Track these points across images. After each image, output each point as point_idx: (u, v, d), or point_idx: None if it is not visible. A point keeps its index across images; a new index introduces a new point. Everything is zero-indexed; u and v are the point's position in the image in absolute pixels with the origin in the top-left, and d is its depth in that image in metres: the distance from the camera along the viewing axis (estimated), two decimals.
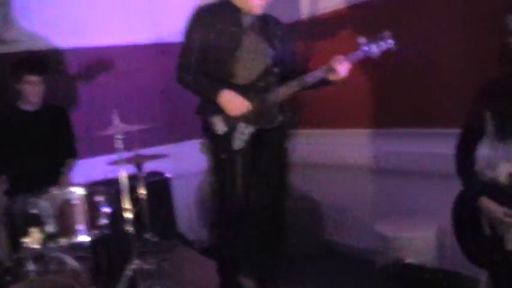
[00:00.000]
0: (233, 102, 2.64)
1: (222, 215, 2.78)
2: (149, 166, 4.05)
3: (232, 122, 2.71)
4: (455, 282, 2.64)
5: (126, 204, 2.74)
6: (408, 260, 2.96)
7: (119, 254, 3.02)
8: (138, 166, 3.16)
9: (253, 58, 2.72)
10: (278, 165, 2.88)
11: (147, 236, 3.15)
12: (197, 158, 4.23)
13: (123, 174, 2.79)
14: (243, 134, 2.69)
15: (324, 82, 2.71)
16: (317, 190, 4.22)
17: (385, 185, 3.65)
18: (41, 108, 3.41)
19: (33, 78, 3.28)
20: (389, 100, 3.57)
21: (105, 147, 3.37)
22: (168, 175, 4.08)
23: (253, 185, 2.80)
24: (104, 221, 2.77)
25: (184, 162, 4.26)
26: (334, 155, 3.97)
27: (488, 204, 2.05)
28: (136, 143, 3.18)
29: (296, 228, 4.00)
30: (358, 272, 3.49)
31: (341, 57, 2.63)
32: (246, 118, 2.70)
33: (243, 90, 2.70)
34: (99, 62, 4.17)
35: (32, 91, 3.30)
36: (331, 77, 2.66)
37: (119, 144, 2.90)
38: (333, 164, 3.99)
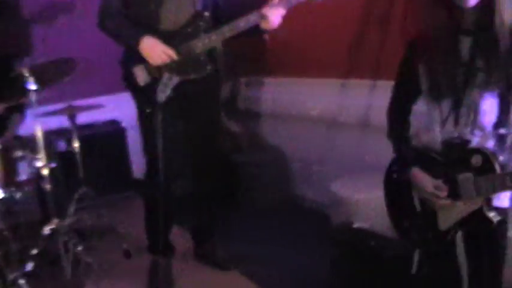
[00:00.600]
0: (154, 50, 2.39)
1: (149, 169, 2.61)
2: (109, 115, 3.89)
3: (155, 72, 2.47)
4: (400, 252, 2.42)
5: (43, 160, 2.52)
6: (357, 225, 2.74)
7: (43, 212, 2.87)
8: (71, 117, 2.94)
9: (180, 1, 2.45)
10: (207, 119, 2.68)
11: (81, 191, 2.96)
12: None
13: (38, 128, 2.56)
14: (166, 86, 2.43)
15: (258, 30, 2.41)
16: (283, 142, 4.03)
17: (350, 139, 3.38)
18: None
19: None
20: (357, 49, 3.23)
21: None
22: (123, 124, 3.86)
23: (182, 139, 2.65)
24: (24, 177, 2.57)
25: None
26: (299, 106, 3.69)
27: (419, 177, 1.77)
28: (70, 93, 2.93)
29: (261, 181, 3.84)
30: (319, 227, 3.28)
31: (275, 1, 2.32)
32: (170, 68, 2.44)
33: (168, 36, 2.44)
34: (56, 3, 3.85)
35: None
36: (263, 25, 2.39)
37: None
38: (297, 115, 3.72)
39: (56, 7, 3.84)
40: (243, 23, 2.39)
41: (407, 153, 1.83)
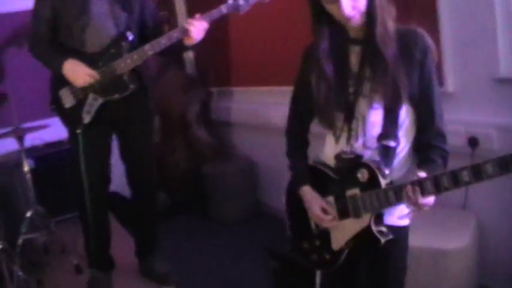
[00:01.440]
0: (76, 72, 2.41)
1: (80, 192, 2.58)
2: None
3: (80, 94, 2.49)
4: None
5: None
6: None
7: None
8: (20, 139, 2.98)
9: (103, 23, 2.47)
10: (137, 135, 2.70)
11: (31, 211, 3.00)
12: None
13: None
14: (91, 106, 2.44)
15: (182, 46, 2.42)
16: (251, 151, 4.02)
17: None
18: None
19: None
20: None
21: None
22: None
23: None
24: None
25: None
26: (263, 115, 3.64)
27: (307, 198, 1.71)
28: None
29: (230, 190, 3.81)
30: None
31: (197, 16, 2.31)
32: (94, 89, 2.46)
33: (92, 58, 2.47)
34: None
35: None
36: (186, 41, 2.40)
37: None
38: (261, 124, 3.67)
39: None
40: (164, 40, 2.39)
41: (301, 171, 1.76)
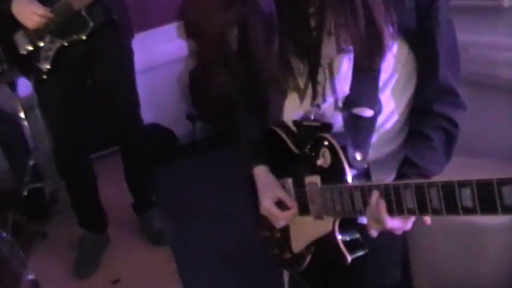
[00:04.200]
0: (25, 11, 2.03)
1: (55, 146, 2.34)
2: None
3: (35, 37, 2.11)
4: None
5: None
6: None
7: None
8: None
9: None
10: (111, 78, 2.31)
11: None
12: (173, 44, 3.72)
13: None
14: (49, 51, 2.06)
15: None
16: None
17: None
18: None
19: None
20: None
21: None
22: None
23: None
24: None
25: (159, 51, 3.65)
26: None
27: (259, 183, 1.22)
28: None
29: None
30: None
31: None
32: (50, 31, 2.09)
33: None
34: None
35: None
36: None
37: None
38: None
39: None
40: None
41: (255, 144, 1.27)
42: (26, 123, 2.86)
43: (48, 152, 3.02)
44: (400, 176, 1.01)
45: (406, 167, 1.01)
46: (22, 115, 2.83)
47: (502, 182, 0.70)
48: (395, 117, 1.08)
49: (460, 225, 1.70)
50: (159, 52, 3.59)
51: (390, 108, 1.07)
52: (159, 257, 2.47)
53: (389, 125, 1.08)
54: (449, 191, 0.78)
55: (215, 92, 3.70)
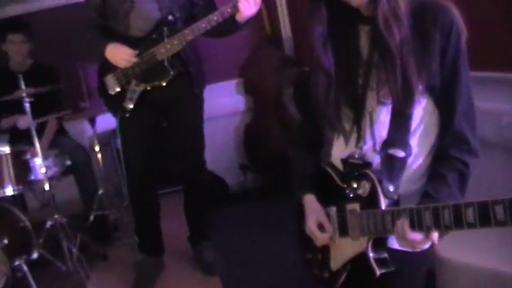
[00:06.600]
0: (116, 54, 2.41)
1: (129, 177, 2.65)
2: None
3: (123, 80, 2.49)
4: None
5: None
6: None
7: None
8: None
9: (147, 7, 2.43)
10: (181, 122, 2.64)
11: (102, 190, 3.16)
12: (233, 98, 4.12)
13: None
14: (134, 93, 2.44)
15: (233, 25, 2.33)
16: None
17: None
18: (29, 69, 3.41)
19: (15, 37, 3.32)
20: None
21: None
22: None
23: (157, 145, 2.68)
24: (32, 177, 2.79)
25: (219, 103, 4.02)
26: None
27: (307, 207, 1.47)
28: None
29: None
30: None
31: None
32: (136, 76, 2.46)
33: (135, 43, 2.45)
34: None
35: (16, 50, 3.35)
36: (237, 17, 2.28)
37: None
38: None
39: None
40: (216, 17, 2.29)
41: (306, 176, 1.53)
42: (99, 156, 3.23)
43: (115, 184, 3.38)
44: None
45: (425, 199, 1.24)
46: (97, 148, 3.21)
47: None
48: (420, 160, 1.32)
49: (489, 274, 1.77)
50: (220, 104, 3.93)
51: (418, 150, 1.31)
52: (208, 286, 2.69)
53: (415, 166, 1.32)
54: (458, 210, 1.02)
55: (268, 145, 4.02)
